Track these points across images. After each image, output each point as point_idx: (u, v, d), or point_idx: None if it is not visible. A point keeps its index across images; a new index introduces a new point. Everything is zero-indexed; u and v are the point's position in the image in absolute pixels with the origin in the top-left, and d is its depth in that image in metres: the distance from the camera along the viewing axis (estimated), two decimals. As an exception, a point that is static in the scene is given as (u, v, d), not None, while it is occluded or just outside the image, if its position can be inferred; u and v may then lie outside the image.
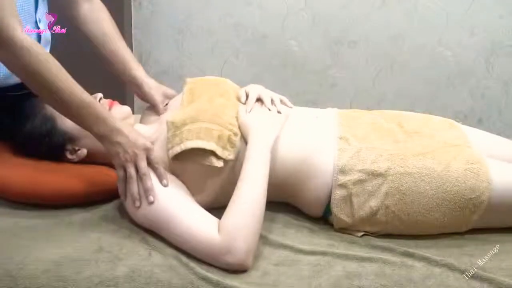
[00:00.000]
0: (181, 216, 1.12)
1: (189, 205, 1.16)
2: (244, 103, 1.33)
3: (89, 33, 1.46)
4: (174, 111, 1.30)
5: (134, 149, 1.15)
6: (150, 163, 1.17)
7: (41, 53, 1.11)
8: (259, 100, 1.34)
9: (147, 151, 1.17)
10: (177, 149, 1.17)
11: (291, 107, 1.37)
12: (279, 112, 1.30)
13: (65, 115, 1.20)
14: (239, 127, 1.24)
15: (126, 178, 1.17)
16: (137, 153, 1.15)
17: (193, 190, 1.21)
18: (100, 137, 1.17)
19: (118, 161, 1.17)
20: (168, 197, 1.15)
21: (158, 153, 1.22)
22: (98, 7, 1.48)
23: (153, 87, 1.46)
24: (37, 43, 1.12)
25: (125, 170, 1.16)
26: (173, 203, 1.14)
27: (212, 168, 1.18)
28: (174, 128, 1.20)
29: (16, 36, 1.07)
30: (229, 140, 1.19)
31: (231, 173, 1.20)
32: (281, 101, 1.36)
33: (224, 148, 1.18)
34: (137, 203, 1.15)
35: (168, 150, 1.19)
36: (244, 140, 1.23)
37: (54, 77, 1.11)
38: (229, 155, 1.18)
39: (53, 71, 1.11)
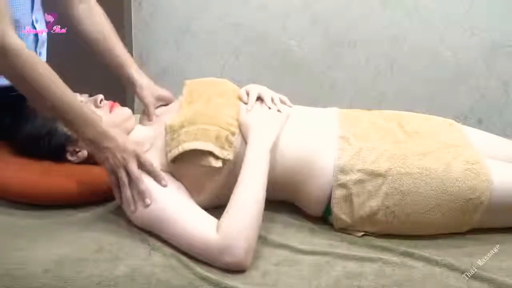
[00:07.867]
0: (178, 216, 1.12)
1: (187, 206, 1.16)
2: (245, 103, 1.33)
3: (85, 32, 1.45)
4: (172, 114, 1.30)
5: (123, 153, 1.15)
6: (142, 166, 1.17)
7: (31, 57, 1.10)
8: (259, 99, 1.34)
9: (137, 155, 1.16)
10: (175, 152, 1.17)
11: (290, 106, 1.37)
12: (279, 111, 1.30)
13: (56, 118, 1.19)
14: (239, 127, 1.24)
15: (118, 183, 1.16)
16: (126, 157, 1.15)
17: (193, 190, 1.21)
18: (88, 142, 1.16)
19: (108, 166, 1.16)
20: (165, 198, 1.15)
21: (157, 155, 1.22)
22: (93, 7, 1.48)
23: (145, 88, 1.44)
24: (25, 48, 1.10)
25: (116, 175, 1.16)
26: (170, 204, 1.14)
27: (212, 169, 1.18)
28: (172, 131, 1.20)
29: (6, 42, 1.07)
30: (227, 139, 1.19)
31: (231, 173, 1.20)
32: (281, 100, 1.36)
33: (222, 148, 1.18)
34: (132, 207, 1.15)
35: (166, 153, 1.19)
36: (244, 139, 1.23)
37: (44, 82, 1.09)
38: (227, 154, 1.18)
39: (44, 76, 1.10)
